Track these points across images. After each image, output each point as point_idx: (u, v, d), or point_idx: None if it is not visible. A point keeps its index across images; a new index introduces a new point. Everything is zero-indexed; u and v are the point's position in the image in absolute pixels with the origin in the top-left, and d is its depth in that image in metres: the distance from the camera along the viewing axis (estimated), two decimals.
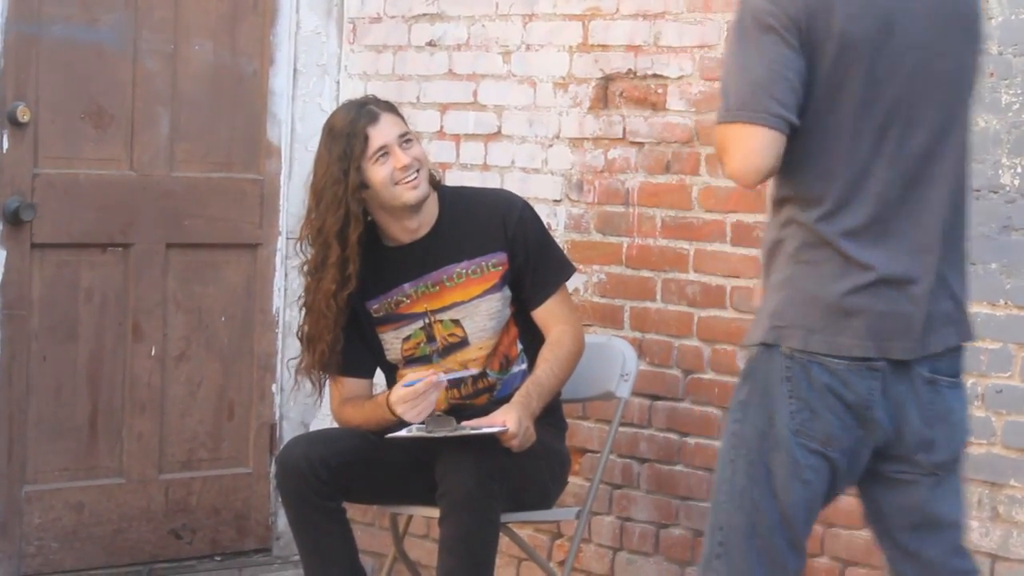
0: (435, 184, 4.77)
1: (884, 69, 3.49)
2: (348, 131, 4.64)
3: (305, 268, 4.76)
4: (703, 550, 3.64)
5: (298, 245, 4.80)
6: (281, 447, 5.22)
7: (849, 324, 3.50)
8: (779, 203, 3.59)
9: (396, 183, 4.64)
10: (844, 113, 3.50)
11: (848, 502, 3.94)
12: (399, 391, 4.59)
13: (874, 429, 3.53)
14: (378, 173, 4.64)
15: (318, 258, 4.68)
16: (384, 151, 4.64)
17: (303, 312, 4.79)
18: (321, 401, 5.03)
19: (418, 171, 4.67)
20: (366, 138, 4.63)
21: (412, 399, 4.56)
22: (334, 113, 4.82)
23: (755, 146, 3.46)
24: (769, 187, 3.62)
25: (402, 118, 4.76)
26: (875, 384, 3.52)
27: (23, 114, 5.54)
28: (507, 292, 4.75)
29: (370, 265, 4.68)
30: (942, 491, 3.62)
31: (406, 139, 4.69)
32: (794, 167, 3.53)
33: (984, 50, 3.69)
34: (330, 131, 4.70)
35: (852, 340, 3.50)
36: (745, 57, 3.48)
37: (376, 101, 4.76)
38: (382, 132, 4.65)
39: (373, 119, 4.65)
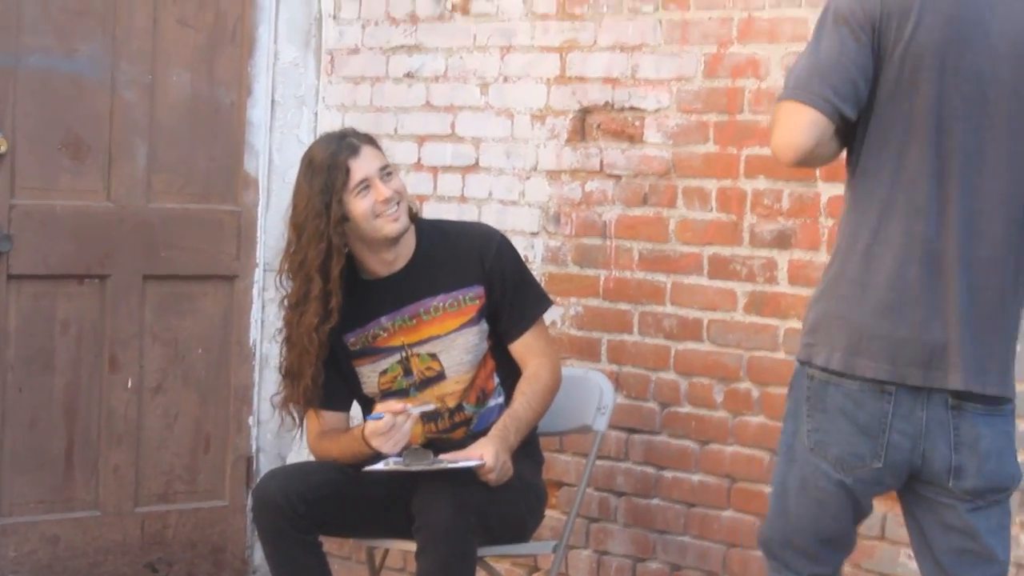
0: (412, 217, 4.76)
1: (940, 91, 3.52)
2: (329, 164, 4.61)
3: (286, 302, 4.73)
4: None
5: (278, 279, 4.77)
6: (258, 480, 5.19)
7: (869, 346, 3.56)
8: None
9: (377, 216, 4.63)
10: (898, 127, 3.55)
11: None
12: (372, 424, 4.57)
13: (893, 452, 3.57)
14: (359, 206, 4.62)
15: (300, 292, 4.66)
16: (365, 184, 4.62)
17: (284, 346, 4.77)
18: (299, 434, 5.02)
19: (398, 204, 4.65)
20: (347, 171, 4.61)
21: (386, 431, 4.54)
22: (313, 146, 4.79)
23: (799, 124, 3.55)
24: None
25: (381, 150, 4.74)
26: (887, 407, 3.56)
27: (0, 145, 5.53)
28: (484, 326, 4.74)
29: (347, 298, 4.66)
30: (985, 521, 3.64)
31: (387, 172, 4.67)
32: (849, 178, 3.64)
33: None
34: (310, 164, 4.67)
35: (868, 362, 3.56)
36: (816, 44, 3.58)
37: (355, 133, 4.74)
38: (363, 165, 4.63)
39: (354, 152, 4.63)
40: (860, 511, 3.67)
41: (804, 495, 3.65)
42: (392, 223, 4.64)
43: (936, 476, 3.59)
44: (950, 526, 3.62)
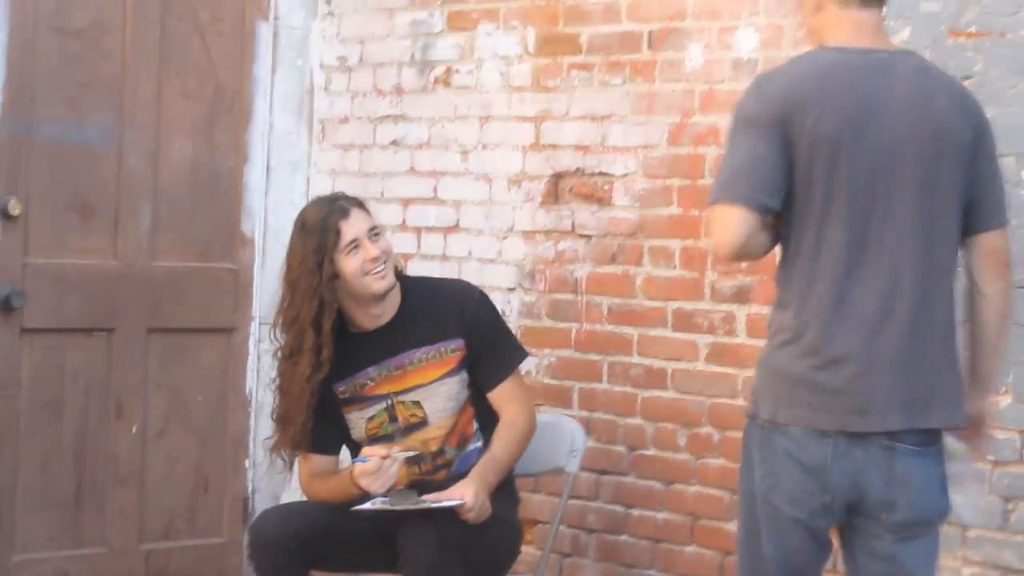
0: (397, 274, 4.78)
1: (846, 167, 3.60)
2: (321, 225, 4.64)
3: (280, 353, 4.76)
4: None
5: (272, 332, 4.78)
6: (253, 519, 5.20)
7: (808, 398, 3.62)
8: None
9: (366, 274, 4.65)
10: (817, 205, 3.63)
11: None
12: (360, 466, 4.60)
13: (834, 490, 3.63)
14: (349, 264, 4.65)
15: (294, 344, 4.67)
16: (355, 244, 4.65)
17: (277, 394, 4.79)
18: (291, 476, 5.02)
19: (385, 262, 4.68)
20: (338, 232, 4.64)
21: (374, 473, 4.56)
22: (306, 208, 4.80)
23: (729, 223, 3.61)
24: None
25: (369, 213, 4.76)
26: (827, 450, 3.62)
27: (14, 207, 5.56)
28: (464, 375, 4.75)
29: (337, 350, 4.67)
30: (911, 551, 3.70)
31: (374, 233, 4.70)
32: (780, 262, 3.71)
33: (982, 159, 3.74)
34: (303, 226, 4.70)
35: (808, 412, 3.62)
36: (732, 150, 3.66)
37: (346, 197, 4.75)
38: (353, 226, 4.66)
39: (344, 214, 4.67)
40: (821, 545, 3.72)
41: (770, 537, 3.70)
42: (380, 280, 4.67)
43: (871, 509, 3.65)
44: (878, 555, 3.68)
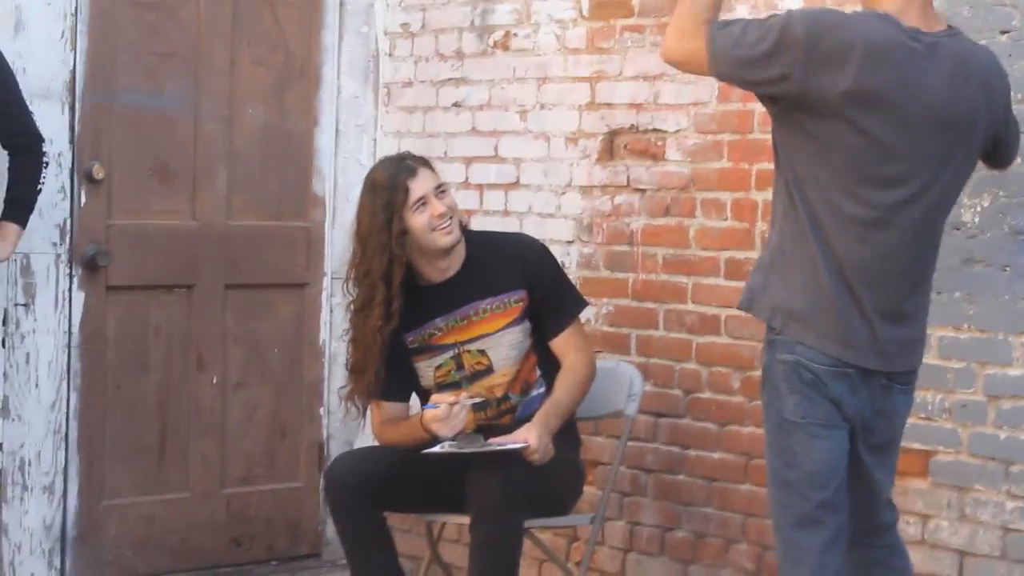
0: (461, 229, 4.76)
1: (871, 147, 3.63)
2: (390, 184, 4.62)
3: (352, 306, 4.73)
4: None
5: (344, 286, 4.76)
6: (328, 464, 5.20)
7: (834, 336, 3.67)
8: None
9: (433, 229, 4.63)
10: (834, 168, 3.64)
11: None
12: (431, 412, 4.57)
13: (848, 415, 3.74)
14: (418, 220, 4.63)
15: (365, 297, 4.65)
16: (423, 201, 4.63)
17: (350, 345, 4.77)
18: (364, 423, 5.01)
19: (451, 218, 4.66)
20: (407, 190, 4.62)
21: (444, 418, 4.54)
22: (374, 168, 4.78)
23: (695, 38, 3.66)
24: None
25: (435, 171, 4.74)
26: (846, 385, 3.70)
27: (98, 172, 5.56)
28: (527, 325, 4.74)
29: (407, 302, 4.66)
30: (880, 464, 3.84)
31: (441, 190, 4.68)
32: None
33: (1003, 124, 3.85)
34: (372, 185, 4.68)
35: (836, 347, 3.67)
36: (754, 28, 3.62)
37: (412, 156, 4.74)
38: (420, 184, 4.64)
39: (412, 173, 4.64)
40: (856, 452, 3.79)
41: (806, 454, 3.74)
42: (446, 235, 4.65)
43: (857, 432, 3.77)
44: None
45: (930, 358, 4.49)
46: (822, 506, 3.71)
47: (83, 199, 5.55)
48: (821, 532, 3.71)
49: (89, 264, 5.55)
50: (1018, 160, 4.30)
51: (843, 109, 3.57)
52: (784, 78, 3.59)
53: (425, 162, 4.73)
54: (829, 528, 3.72)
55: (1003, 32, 4.39)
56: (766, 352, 3.80)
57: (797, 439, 3.72)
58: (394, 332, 4.68)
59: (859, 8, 3.79)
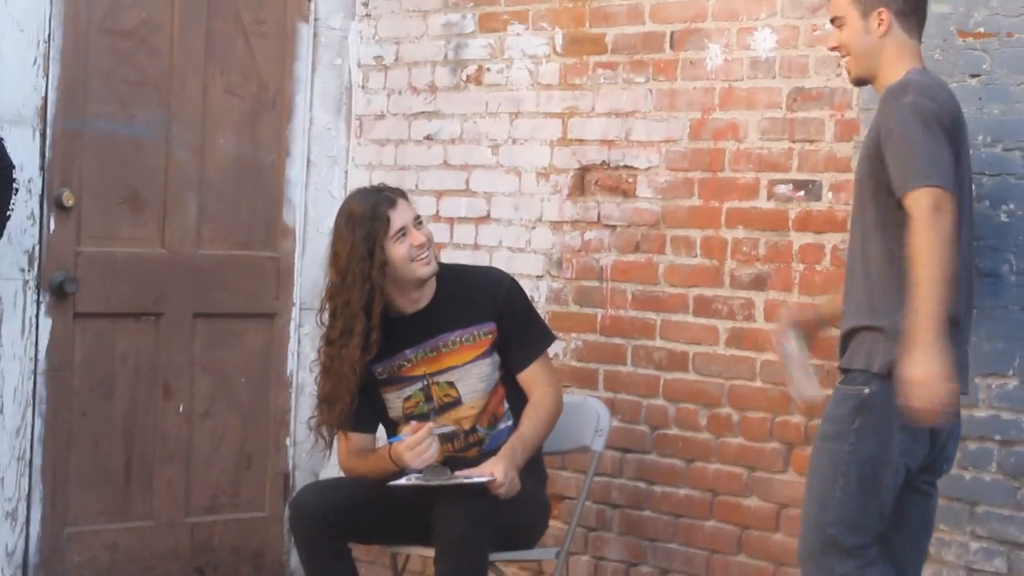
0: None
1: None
2: (371, 214, 4.62)
3: (326, 337, 4.72)
4: (806, 542, 3.95)
5: (319, 316, 4.75)
6: (294, 494, 5.19)
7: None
8: None
9: (413, 259, 4.64)
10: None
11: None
12: (402, 442, 4.57)
13: (936, 446, 3.96)
14: (398, 251, 4.63)
15: (343, 327, 4.64)
16: (403, 231, 4.63)
17: (321, 376, 4.75)
18: (330, 453, 5.00)
19: (429, 249, 4.67)
20: (388, 220, 4.62)
21: (415, 446, 4.54)
22: (350, 200, 4.76)
23: (949, 208, 3.78)
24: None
25: (410, 203, 4.75)
26: None
27: (68, 199, 5.54)
28: (496, 358, 4.74)
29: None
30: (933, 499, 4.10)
31: (419, 221, 4.70)
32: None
33: None
34: (350, 215, 4.66)
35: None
36: (920, 136, 3.81)
37: (389, 188, 4.75)
38: (401, 215, 4.64)
39: (392, 204, 4.65)
40: None
41: (894, 487, 3.90)
42: (425, 266, 4.66)
43: (941, 463, 4.06)
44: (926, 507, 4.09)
45: None
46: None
47: (52, 226, 5.53)
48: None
49: (57, 291, 5.53)
50: (985, 203, 4.34)
51: None
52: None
53: (402, 193, 4.74)
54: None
55: (973, 76, 4.43)
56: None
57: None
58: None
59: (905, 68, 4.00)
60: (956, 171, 3.84)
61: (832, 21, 4.13)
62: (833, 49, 4.16)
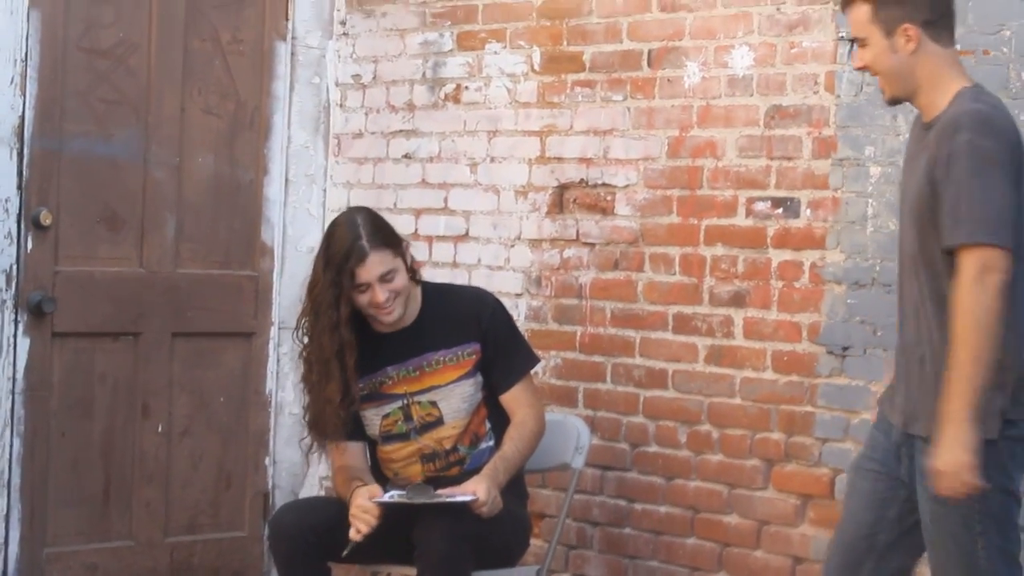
0: (417, 281, 4.76)
1: None
2: (340, 265, 4.57)
3: (304, 364, 4.72)
4: None
5: (294, 334, 4.75)
6: (273, 513, 5.18)
7: None
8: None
9: (372, 311, 4.65)
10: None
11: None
12: (356, 495, 4.56)
13: None
14: (360, 300, 4.62)
15: (320, 372, 4.65)
16: (367, 286, 4.61)
17: (307, 398, 4.76)
18: (308, 471, 4.99)
19: (394, 301, 4.65)
20: (352, 275, 4.58)
21: (358, 514, 4.51)
22: (338, 228, 4.66)
23: (1004, 266, 3.59)
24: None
25: (392, 249, 4.63)
26: None
27: (45, 218, 5.54)
28: (479, 378, 4.74)
29: (360, 347, 4.65)
30: None
31: (387, 276, 4.63)
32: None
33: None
34: (328, 248, 4.63)
35: None
36: (982, 184, 3.57)
37: (372, 234, 4.61)
38: (367, 272, 4.57)
39: (361, 260, 4.57)
40: None
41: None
42: (385, 316, 4.64)
43: None
44: None
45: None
46: None
47: (30, 245, 5.52)
48: None
49: (35, 310, 5.52)
50: None
51: None
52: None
53: (381, 242, 4.62)
54: None
55: None
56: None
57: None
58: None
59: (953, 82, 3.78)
60: (1018, 202, 3.61)
61: (854, 41, 3.87)
62: (860, 69, 3.87)
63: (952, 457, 3.54)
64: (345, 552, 4.52)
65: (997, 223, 3.55)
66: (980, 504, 3.62)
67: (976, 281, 3.53)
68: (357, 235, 4.61)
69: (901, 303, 3.82)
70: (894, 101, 3.85)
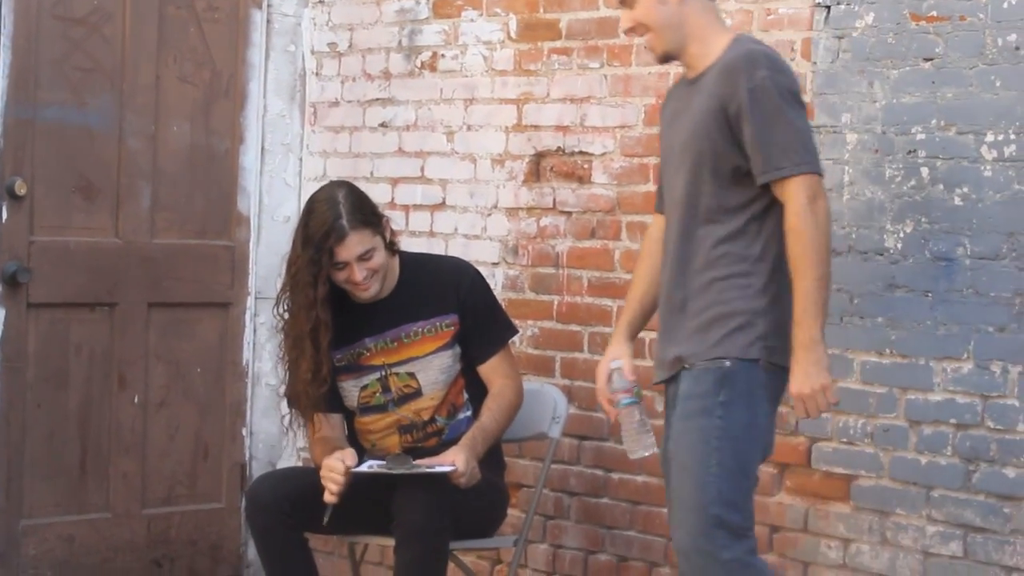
0: (395, 251, 4.76)
1: None
2: (319, 244, 4.57)
3: (283, 339, 4.74)
4: (687, 529, 3.83)
5: (274, 309, 4.77)
6: (250, 484, 5.19)
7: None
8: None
9: (350, 287, 4.65)
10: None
11: None
12: (327, 460, 4.56)
13: None
14: (338, 277, 4.63)
15: (294, 352, 4.68)
16: (345, 264, 4.62)
17: (285, 374, 4.78)
18: (288, 443, 4.99)
19: (372, 278, 4.65)
20: (331, 253, 4.58)
21: (327, 473, 4.52)
22: (316, 208, 4.65)
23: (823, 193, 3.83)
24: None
25: (371, 227, 4.64)
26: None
27: (20, 188, 5.52)
28: (457, 349, 4.75)
29: (338, 318, 4.66)
30: None
31: (366, 255, 4.63)
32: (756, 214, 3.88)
33: None
34: (306, 228, 4.62)
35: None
36: (791, 117, 3.79)
37: (352, 213, 4.60)
38: (345, 251, 4.59)
39: (341, 239, 4.57)
40: None
41: (761, 456, 3.91)
42: (362, 292, 4.66)
43: None
44: None
45: (852, 383, 4.56)
46: None
47: (4, 215, 5.50)
48: None
49: (10, 281, 5.51)
50: (939, 187, 4.37)
51: None
52: None
53: (362, 219, 4.63)
54: None
55: (926, 60, 4.45)
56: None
57: None
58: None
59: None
60: None
61: (622, 3, 3.97)
62: (629, 31, 4.00)
63: (814, 380, 3.73)
64: (325, 519, 4.52)
65: (814, 152, 3.79)
66: (722, 422, 3.79)
67: (807, 208, 3.73)
68: (337, 213, 4.60)
69: (664, 253, 3.98)
70: (665, 57, 3.98)
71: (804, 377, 3.74)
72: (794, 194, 3.74)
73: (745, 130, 3.78)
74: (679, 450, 3.89)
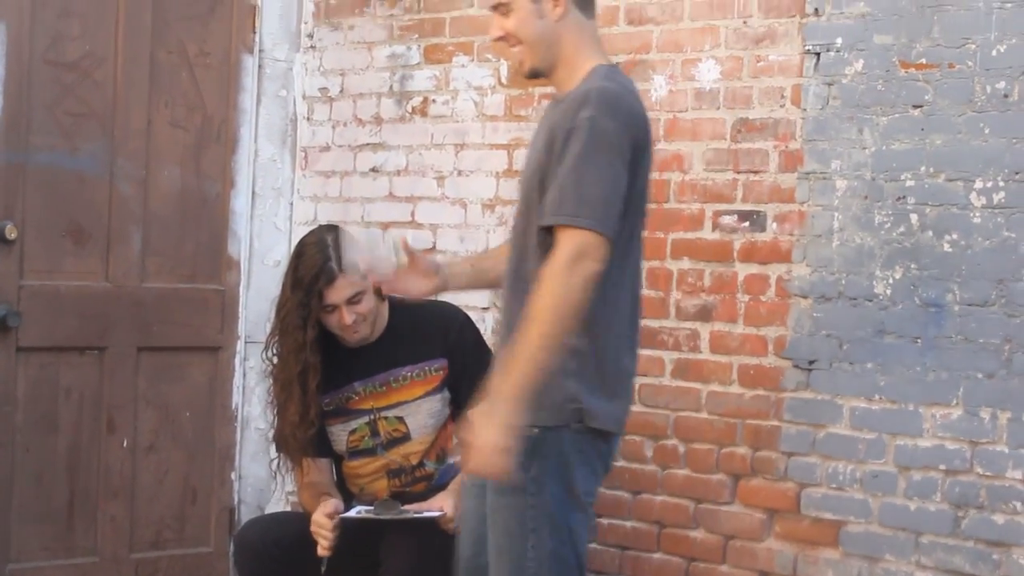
0: (384, 297, 4.74)
1: (644, 199, 3.76)
2: (308, 287, 4.58)
3: (272, 383, 4.73)
4: None
5: (263, 354, 4.77)
6: (238, 529, 5.17)
7: (623, 405, 3.66)
8: None
9: (339, 331, 4.65)
10: (625, 232, 3.67)
11: None
12: (316, 513, 4.54)
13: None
14: (328, 320, 4.63)
15: (282, 396, 4.67)
16: (334, 307, 4.62)
17: (274, 419, 4.77)
18: (277, 488, 4.98)
19: (363, 322, 4.65)
20: (321, 296, 4.59)
21: (317, 529, 4.51)
22: (305, 252, 4.66)
23: (600, 256, 3.53)
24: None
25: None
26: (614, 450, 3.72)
27: (10, 232, 5.52)
28: (446, 394, 4.74)
29: (327, 361, 4.65)
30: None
31: (355, 299, 4.63)
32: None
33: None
34: (295, 271, 4.63)
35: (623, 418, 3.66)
36: (597, 170, 3.50)
37: (340, 257, 4.62)
38: (334, 295, 4.59)
39: (330, 282, 4.59)
40: None
41: (586, 531, 3.68)
42: (351, 335, 4.65)
43: None
44: None
45: (841, 428, 4.56)
46: None
47: None
48: None
49: None
50: (928, 233, 4.39)
51: None
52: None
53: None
54: None
55: (915, 107, 4.47)
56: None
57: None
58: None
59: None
60: (630, 193, 3.54)
61: (495, 8, 3.71)
62: (498, 40, 3.72)
63: (489, 435, 3.40)
64: (323, 570, 4.51)
65: (603, 209, 3.45)
66: (535, 499, 3.51)
67: (568, 265, 3.41)
68: (327, 256, 4.61)
69: (503, 285, 3.75)
70: (534, 74, 3.72)
71: (479, 428, 3.42)
72: (561, 246, 3.44)
73: (552, 169, 3.53)
74: (494, 529, 3.62)
